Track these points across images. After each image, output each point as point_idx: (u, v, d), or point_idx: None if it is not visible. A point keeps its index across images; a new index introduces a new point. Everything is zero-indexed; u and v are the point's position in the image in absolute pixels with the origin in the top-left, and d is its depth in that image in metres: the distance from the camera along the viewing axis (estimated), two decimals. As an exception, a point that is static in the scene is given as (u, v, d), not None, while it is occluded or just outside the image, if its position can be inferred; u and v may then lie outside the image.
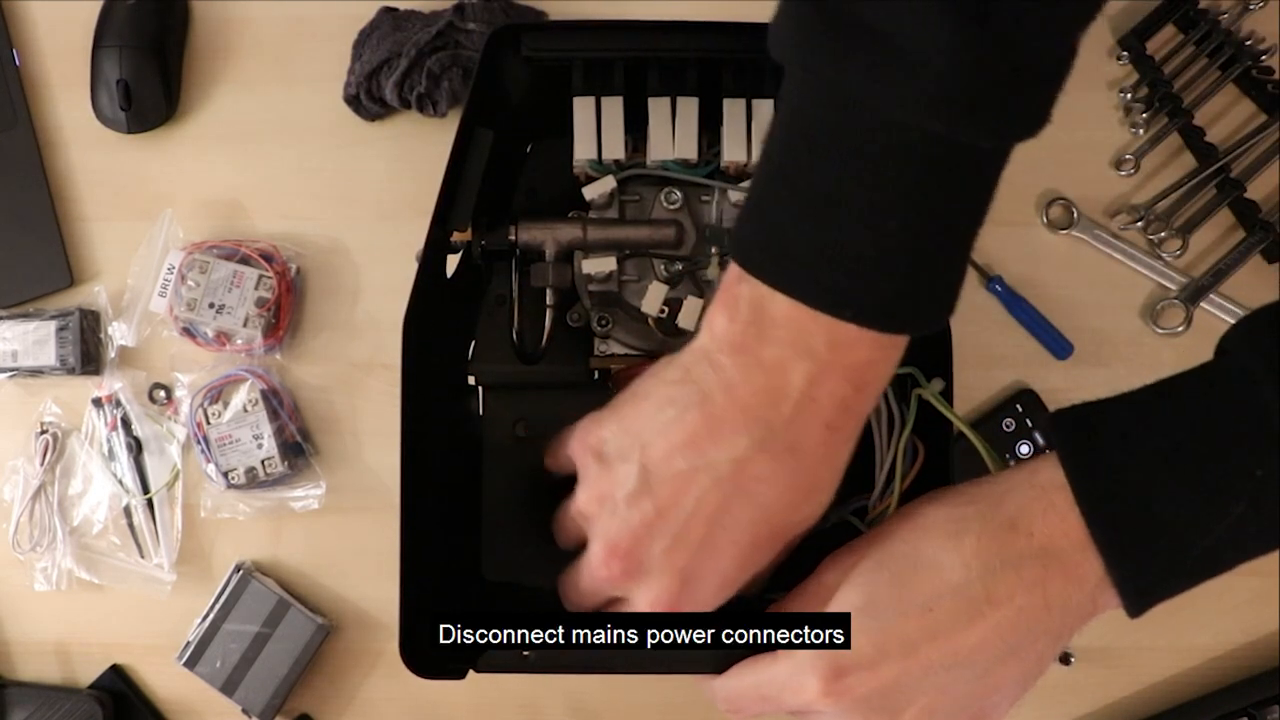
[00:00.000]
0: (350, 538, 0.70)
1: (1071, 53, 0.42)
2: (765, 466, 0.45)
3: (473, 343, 0.62)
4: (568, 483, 0.54)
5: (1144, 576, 0.42)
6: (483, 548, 0.62)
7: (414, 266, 0.54)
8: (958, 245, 0.45)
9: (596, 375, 0.59)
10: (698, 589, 0.47)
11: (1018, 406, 0.70)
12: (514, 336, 0.62)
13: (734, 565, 0.47)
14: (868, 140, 0.41)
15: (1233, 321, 0.70)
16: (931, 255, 0.44)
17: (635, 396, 0.49)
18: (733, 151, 0.57)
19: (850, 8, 0.40)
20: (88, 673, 0.70)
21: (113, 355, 0.71)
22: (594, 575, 0.49)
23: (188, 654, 0.67)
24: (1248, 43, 0.71)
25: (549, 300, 0.59)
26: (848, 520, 0.56)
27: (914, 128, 0.41)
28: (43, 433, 0.70)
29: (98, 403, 0.70)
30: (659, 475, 0.46)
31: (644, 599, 0.48)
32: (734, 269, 0.45)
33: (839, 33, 0.40)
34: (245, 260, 0.69)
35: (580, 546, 0.51)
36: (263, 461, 0.68)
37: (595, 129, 0.58)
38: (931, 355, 0.54)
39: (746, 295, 0.44)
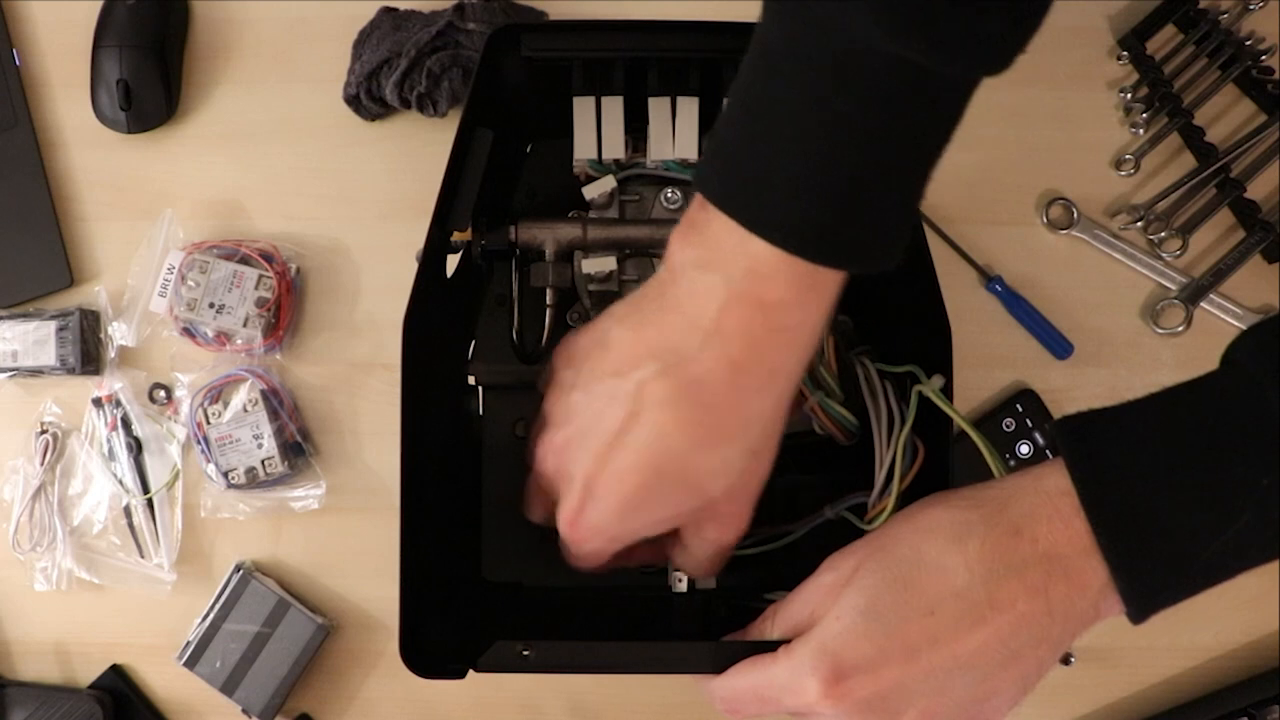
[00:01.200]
0: (350, 538, 0.70)
1: None
2: (664, 392, 0.46)
3: (473, 343, 0.62)
4: None
5: (1149, 584, 0.42)
6: (483, 548, 0.62)
7: (414, 266, 0.54)
8: (901, 182, 0.44)
9: (596, 375, 0.59)
10: (600, 504, 0.48)
11: (1018, 406, 0.70)
12: (514, 336, 0.62)
13: (634, 490, 0.48)
14: (819, 57, 0.41)
15: (1233, 322, 0.71)
16: (870, 186, 0.43)
17: (608, 313, 0.50)
18: (733, 151, 0.57)
19: None
20: (88, 673, 0.70)
21: (113, 355, 0.71)
22: (536, 473, 0.52)
23: (188, 654, 0.67)
24: (1248, 43, 0.71)
25: (549, 300, 0.59)
26: (846, 519, 0.56)
27: (864, 44, 0.40)
28: (43, 433, 0.70)
29: (98, 403, 0.70)
30: (590, 388, 0.48)
31: (564, 506, 0.50)
32: (697, 196, 0.45)
33: None
34: (245, 260, 0.69)
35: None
36: (263, 461, 0.68)
37: (595, 129, 0.58)
38: (932, 353, 0.54)
39: (699, 219, 0.45)
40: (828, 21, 0.40)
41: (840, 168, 0.42)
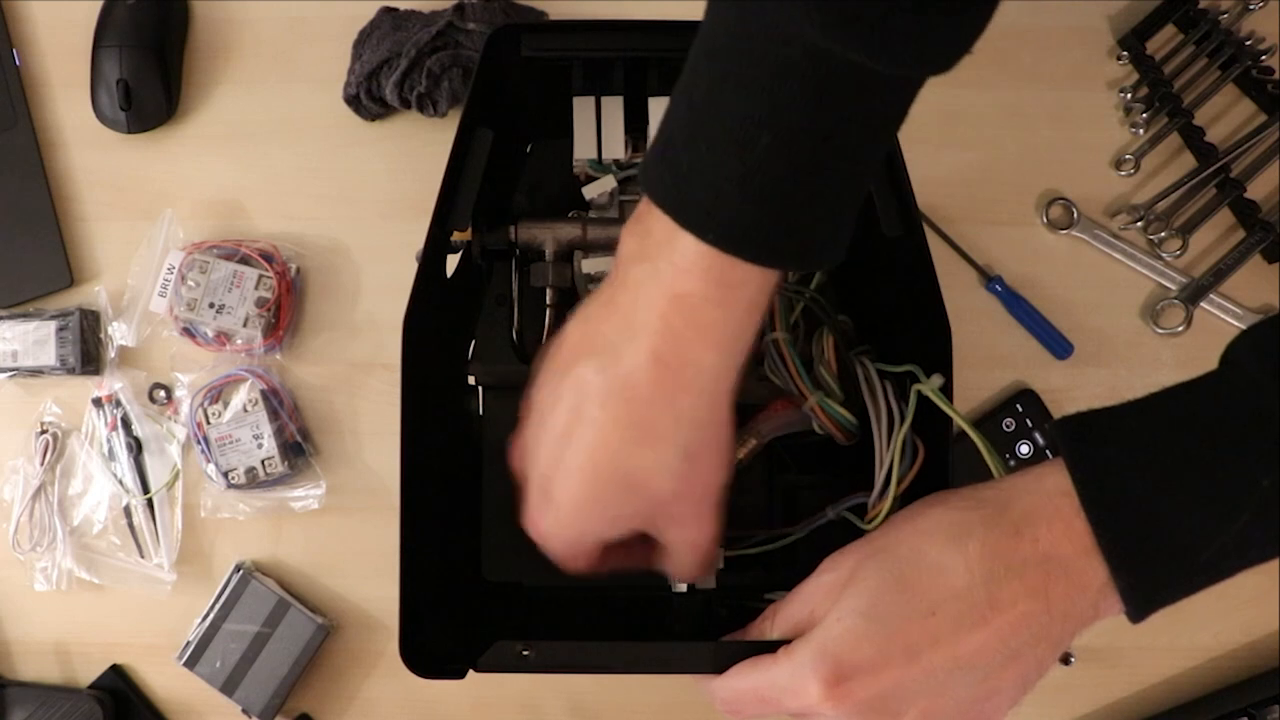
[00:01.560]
0: (350, 538, 0.70)
1: None
2: (600, 389, 0.46)
3: (473, 343, 0.62)
4: None
5: (1149, 584, 0.42)
6: (483, 548, 0.62)
7: (414, 266, 0.54)
8: (836, 181, 0.43)
9: (596, 375, 0.59)
10: (555, 501, 0.48)
11: (1018, 406, 0.70)
12: (514, 336, 0.62)
13: (580, 489, 0.47)
14: (759, 52, 0.40)
15: (1233, 321, 0.71)
16: (800, 184, 0.42)
17: (579, 309, 0.50)
18: (733, 151, 0.57)
19: None
20: (88, 673, 0.70)
21: (113, 355, 0.71)
22: (514, 473, 0.52)
23: (188, 654, 0.67)
24: (1248, 43, 0.71)
25: (549, 300, 0.59)
26: (846, 519, 0.56)
27: (798, 40, 0.39)
28: (43, 433, 0.70)
29: (98, 403, 0.70)
30: (544, 389, 0.49)
31: (526, 507, 0.50)
32: None
33: None
34: (245, 260, 0.69)
35: None
36: (263, 461, 0.68)
37: (595, 129, 0.58)
38: (932, 353, 0.54)
39: (642, 212, 0.45)
40: (768, 19, 0.40)
41: (770, 164, 0.41)
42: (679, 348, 0.44)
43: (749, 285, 0.44)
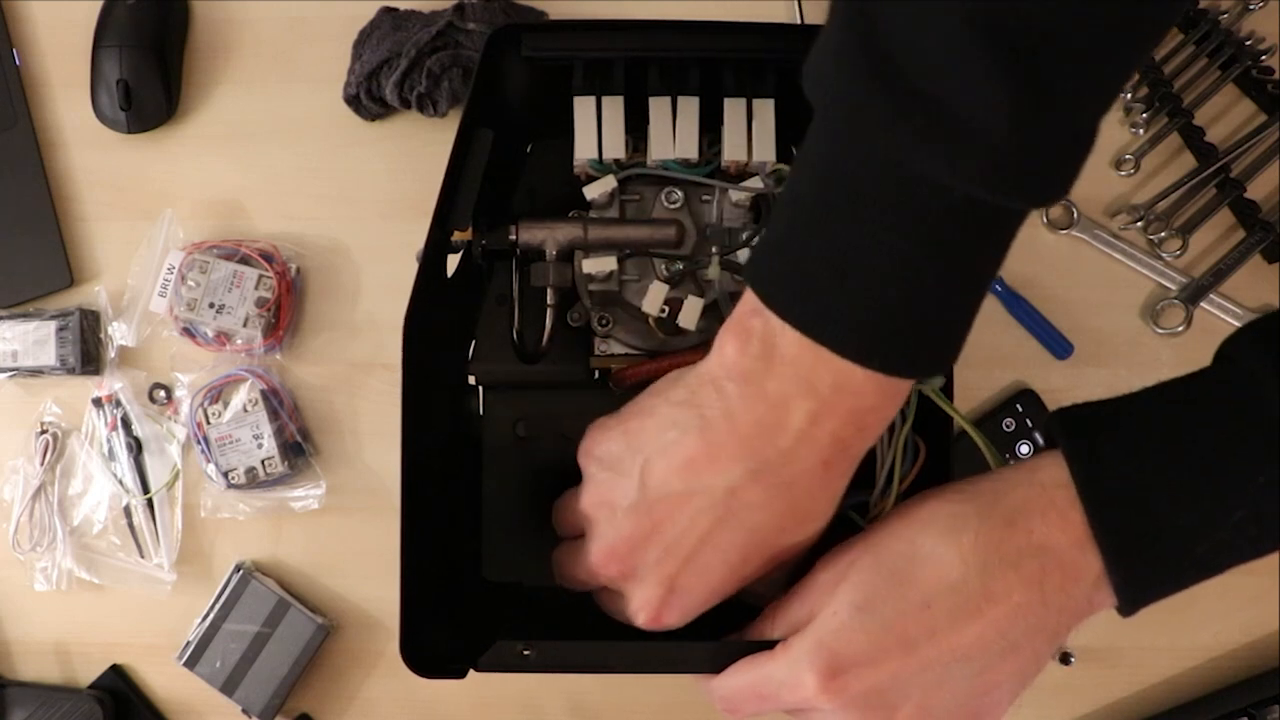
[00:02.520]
0: (350, 538, 0.70)
1: (1100, 117, 0.43)
2: (758, 495, 0.46)
3: (473, 343, 0.62)
4: (566, 482, 0.54)
5: (1143, 577, 0.42)
6: (483, 548, 0.62)
7: (414, 266, 0.54)
8: (978, 296, 0.45)
9: (597, 375, 0.59)
10: (684, 596, 0.49)
11: (1018, 406, 0.70)
12: (514, 336, 0.62)
13: (721, 578, 0.48)
14: (911, 201, 0.41)
15: (1233, 321, 0.71)
16: (957, 308, 0.45)
17: (641, 412, 0.50)
18: (733, 151, 0.57)
19: (901, 70, 0.40)
20: (88, 673, 0.70)
21: (113, 355, 0.71)
22: (591, 571, 0.51)
23: (188, 654, 0.67)
24: (1248, 43, 0.71)
25: (549, 300, 0.59)
26: (847, 516, 0.56)
27: (959, 193, 0.41)
28: (43, 433, 0.70)
29: (98, 403, 0.70)
30: (656, 493, 0.47)
31: (636, 599, 0.49)
32: (750, 300, 0.45)
33: (889, 95, 0.40)
34: (245, 260, 0.69)
35: (576, 535, 0.53)
36: (263, 461, 0.68)
37: (596, 129, 0.58)
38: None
39: (759, 329, 0.45)
40: (921, 170, 0.41)
41: (935, 298, 0.43)
42: (846, 450, 0.46)
43: (908, 385, 0.46)
